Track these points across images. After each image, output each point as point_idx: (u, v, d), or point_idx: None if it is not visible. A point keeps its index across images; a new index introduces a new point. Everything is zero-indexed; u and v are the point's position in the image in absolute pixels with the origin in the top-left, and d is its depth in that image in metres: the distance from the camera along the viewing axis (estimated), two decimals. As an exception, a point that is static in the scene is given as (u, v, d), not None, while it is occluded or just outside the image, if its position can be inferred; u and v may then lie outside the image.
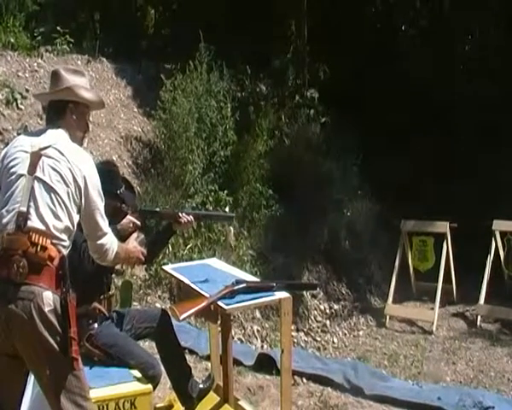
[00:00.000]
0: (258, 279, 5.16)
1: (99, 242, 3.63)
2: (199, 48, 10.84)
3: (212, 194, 10.10)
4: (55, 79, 3.77)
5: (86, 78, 3.92)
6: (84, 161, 3.56)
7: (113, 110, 10.83)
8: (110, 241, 3.67)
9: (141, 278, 8.70)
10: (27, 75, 9.97)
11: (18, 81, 9.71)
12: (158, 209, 6.09)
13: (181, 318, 4.24)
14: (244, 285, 4.45)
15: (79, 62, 11.04)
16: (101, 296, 4.49)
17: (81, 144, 3.76)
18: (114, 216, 4.34)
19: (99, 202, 3.58)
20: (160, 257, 8.70)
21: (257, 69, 13.00)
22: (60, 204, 3.41)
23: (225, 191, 10.17)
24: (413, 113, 13.09)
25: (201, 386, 4.93)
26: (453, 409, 6.20)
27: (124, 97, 11.32)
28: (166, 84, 10.50)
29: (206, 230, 9.64)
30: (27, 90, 9.47)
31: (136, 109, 11.26)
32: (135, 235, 4.17)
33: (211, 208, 9.78)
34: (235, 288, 4.41)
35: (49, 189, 3.40)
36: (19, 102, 9.30)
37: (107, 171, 4.35)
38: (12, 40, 10.59)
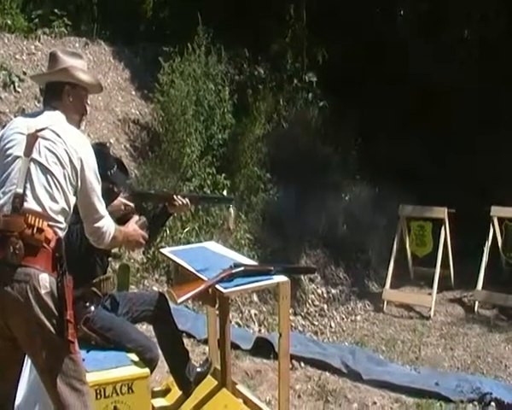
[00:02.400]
0: (256, 263, 5.14)
1: (96, 224, 3.60)
2: (197, 31, 10.77)
3: (210, 177, 10.07)
4: (52, 60, 3.74)
5: (84, 60, 3.90)
6: (80, 142, 3.54)
7: (110, 93, 10.77)
8: (107, 224, 3.64)
9: (138, 261, 8.68)
10: (25, 58, 9.91)
11: (15, 64, 9.66)
12: (152, 191, 6.05)
13: (179, 301, 4.22)
14: (242, 269, 4.44)
15: (77, 45, 10.97)
16: (97, 279, 4.46)
17: (78, 127, 3.73)
18: (105, 198, 4.31)
19: (96, 184, 3.56)
20: (158, 240, 8.71)
21: (255, 52, 12.96)
22: (56, 186, 3.38)
23: (223, 175, 10.16)
24: (412, 97, 13.03)
25: (199, 370, 4.92)
26: (451, 395, 6.21)
27: (121, 80, 11.25)
28: (164, 67, 10.44)
29: (203, 213, 9.63)
30: (25, 73, 9.42)
31: (133, 92, 11.20)
32: (135, 218, 4.12)
33: (208, 192, 9.77)
34: (233, 271, 4.39)
35: (46, 170, 3.38)
36: (16, 84, 9.27)
37: (97, 151, 4.32)
38: (9, 22, 10.49)
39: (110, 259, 4.78)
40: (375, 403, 6.07)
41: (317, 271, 11.04)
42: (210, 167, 10.18)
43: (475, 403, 6.11)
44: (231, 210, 5.68)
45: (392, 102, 12.82)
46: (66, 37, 10.85)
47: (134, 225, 4.02)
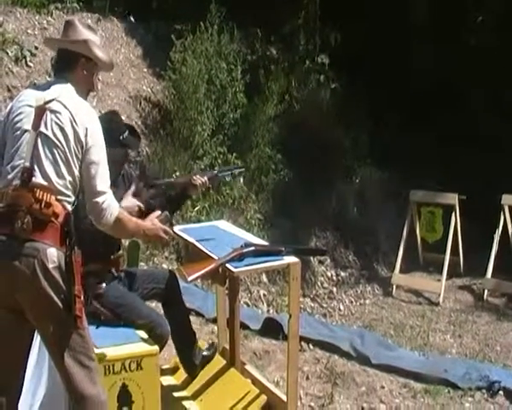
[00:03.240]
0: (266, 243, 5.10)
1: (94, 200, 3.44)
2: (210, 9, 10.69)
3: (221, 156, 10.02)
4: (70, 29, 3.68)
5: (98, 36, 3.86)
6: (87, 115, 3.49)
7: (122, 70, 10.71)
8: (108, 202, 3.47)
9: (148, 238, 8.66)
10: (36, 32, 9.84)
11: (27, 38, 9.60)
12: (172, 179, 5.99)
13: (189, 279, 4.20)
14: (253, 248, 4.41)
15: (89, 21, 10.86)
16: (111, 256, 4.45)
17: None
18: (118, 164, 4.38)
19: (100, 158, 3.47)
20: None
21: (268, 32, 12.87)
22: (63, 160, 3.36)
23: (234, 154, 10.09)
24: (425, 82, 12.93)
25: (205, 353, 4.93)
26: (459, 382, 6.18)
27: (133, 57, 11.19)
28: (177, 45, 10.37)
29: (214, 192, 9.61)
30: (36, 48, 9.36)
31: (145, 69, 11.14)
32: (156, 213, 3.97)
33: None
34: (244, 251, 4.35)
35: (53, 144, 3.35)
36: (28, 59, 9.21)
37: (108, 118, 4.33)
38: (21, -3, 10.46)
39: None
40: (383, 387, 6.06)
41: (327, 253, 11.00)
42: (221, 146, 10.13)
43: (483, 391, 6.09)
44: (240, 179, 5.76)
45: (405, 87, 12.72)
46: (78, 12, 10.77)
47: (153, 220, 3.86)
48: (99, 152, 3.47)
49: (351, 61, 12.45)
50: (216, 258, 4.33)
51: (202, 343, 5.11)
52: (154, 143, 9.86)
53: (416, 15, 13.41)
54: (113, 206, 3.50)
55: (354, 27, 12.89)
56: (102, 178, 3.46)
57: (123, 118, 9.30)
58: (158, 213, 3.99)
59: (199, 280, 7.81)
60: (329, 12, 12.94)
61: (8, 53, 9.08)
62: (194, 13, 10.96)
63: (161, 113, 10.53)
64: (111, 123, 4.33)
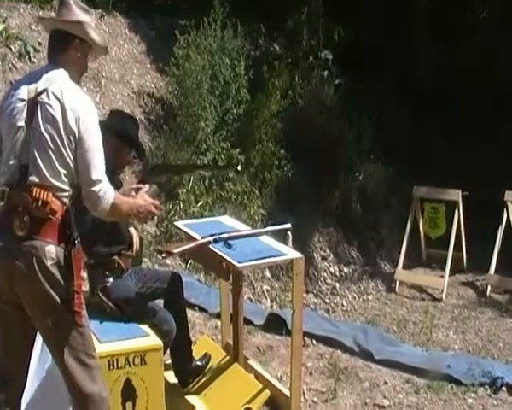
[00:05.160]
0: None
1: (91, 188, 3.37)
2: (213, 4, 10.70)
3: (224, 151, 10.02)
4: (64, 8, 3.60)
5: (93, 17, 3.78)
6: (79, 101, 3.41)
7: (125, 65, 10.71)
8: (104, 190, 3.40)
9: (151, 233, 8.67)
10: (40, 28, 9.79)
11: (31, 34, 9.59)
12: (173, 163, 5.99)
13: (175, 251, 4.58)
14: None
15: (93, 17, 10.90)
16: (122, 251, 4.46)
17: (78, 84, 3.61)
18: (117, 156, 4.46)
19: (94, 145, 3.39)
20: (171, 213, 8.71)
21: (271, 28, 12.86)
22: (56, 155, 3.32)
23: (237, 150, 10.09)
24: (428, 77, 12.91)
25: (198, 363, 4.97)
26: (462, 377, 6.18)
27: (137, 53, 11.19)
28: (180, 41, 10.36)
29: (217, 187, 9.62)
30: (40, 44, 9.34)
31: (149, 65, 11.14)
32: (145, 187, 3.91)
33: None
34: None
35: (45, 140, 3.32)
36: (31, 55, 9.19)
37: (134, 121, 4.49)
38: (25, -8, 10.45)
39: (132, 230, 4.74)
40: (386, 383, 6.05)
41: (330, 249, 11.07)
42: (224, 142, 10.13)
43: (486, 387, 6.07)
44: (289, 233, 5.70)
45: (409, 82, 12.71)
46: (81, 7, 10.77)
47: (144, 196, 3.77)
48: (92, 139, 3.39)
49: (354, 57, 12.43)
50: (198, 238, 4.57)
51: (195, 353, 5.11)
52: (158, 138, 9.85)
53: (418, 9, 13.42)
54: (109, 193, 3.43)
55: (357, 23, 12.88)
56: (97, 166, 3.38)
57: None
58: (146, 187, 3.92)
59: (202, 275, 7.91)
60: (333, 7, 12.92)
61: (11, 49, 9.08)
62: (198, 8, 10.96)
63: (165, 108, 10.53)
64: (134, 126, 4.65)
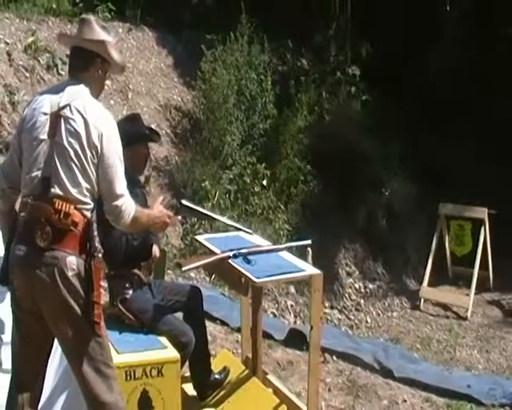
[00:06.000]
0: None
1: (114, 203, 3.44)
2: (240, 19, 10.76)
3: (250, 166, 10.06)
4: (86, 26, 3.62)
5: (112, 36, 3.82)
6: (102, 117, 3.46)
7: (153, 79, 10.79)
8: (126, 203, 3.46)
9: (176, 247, 8.71)
10: (68, 42, 9.95)
11: (59, 47, 9.65)
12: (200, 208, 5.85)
13: (183, 269, 4.70)
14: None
15: (120, 30, 11.00)
16: (143, 263, 4.49)
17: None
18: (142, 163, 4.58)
19: (115, 160, 3.44)
20: (196, 227, 8.74)
21: (299, 44, 12.90)
22: (79, 168, 3.36)
23: (263, 164, 10.13)
24: (456, 95, 12.87)
25: (217, 377, 4.93)
26: (482, 398, 6.13)
27: (164, 66, 11.27)
28: (207, 55, 10.45)
29: (243, 202, 9.66)
30: (68, 56, 9.45)
31: (176, 79, 11.21)
32: (160, 198, 3.92)
33: (248, 181, 9.83)
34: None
35: (68, 154, 3.35)
36: (59, 67, 9.30)
37: (130, 119, 4.58)
38: (54, 6, 10.54)
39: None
40: (405, 401, 6.03)
41: (356, 265, 11.04)
42: (250, 156, 10.18)
43: (507, 408, 6.02)
44: (309, 249, 5.69)
45: (436, 99, 12.67)
46: (110, 21, 10.85)
47: (159, 206, 3.80)
48: (114, 153, 3.45)
49: (382, 73, 12.43)
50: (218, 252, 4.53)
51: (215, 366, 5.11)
52: (184, 152, 9.92)
53: (448, 26, 13.40)
54: (130, 207, 3.49)
55: (386, 39, 12.87)
56: (120, 181, 3.45)
57: (153, 127, 9.46)
58: (161, 198, 3.93)
59: (225, 289, 7.91)
60: (360, 23, 12.93)
61: (39, 61, 9.21)
62: (225, 23, 11.04)
63: (191, 122, 10.59)
64: (133, 122, 4.56)
